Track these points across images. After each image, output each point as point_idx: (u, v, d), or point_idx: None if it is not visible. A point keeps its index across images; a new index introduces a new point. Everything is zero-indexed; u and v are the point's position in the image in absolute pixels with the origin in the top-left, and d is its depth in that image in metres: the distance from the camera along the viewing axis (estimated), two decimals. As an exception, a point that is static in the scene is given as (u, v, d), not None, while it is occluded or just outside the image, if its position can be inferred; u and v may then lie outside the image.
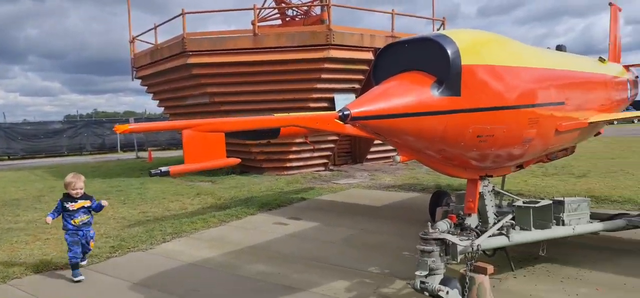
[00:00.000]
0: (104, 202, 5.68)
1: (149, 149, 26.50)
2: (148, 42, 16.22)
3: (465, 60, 3.46)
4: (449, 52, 3.43)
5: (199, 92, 13.88)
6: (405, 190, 10.94)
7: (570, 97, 4.70)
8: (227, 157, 3.68)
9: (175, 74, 13.97)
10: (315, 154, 14.18)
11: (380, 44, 12.69)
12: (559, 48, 6.01)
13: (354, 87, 13.24)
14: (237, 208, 9.06)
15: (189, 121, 3.68)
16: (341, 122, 3.21)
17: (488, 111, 3.60)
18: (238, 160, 3.55)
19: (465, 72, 3.45)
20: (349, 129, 4.21)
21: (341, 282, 4.98)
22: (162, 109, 17.49)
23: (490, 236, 4.35)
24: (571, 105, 4.72)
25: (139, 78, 16.46)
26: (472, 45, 3.62)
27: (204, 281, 5.26)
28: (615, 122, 35.22)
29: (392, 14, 13.46)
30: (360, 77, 13.26)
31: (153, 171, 3.65)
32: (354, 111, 3.15)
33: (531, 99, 4.00)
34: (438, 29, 15.32)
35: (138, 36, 16.47)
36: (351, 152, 16.36)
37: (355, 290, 4.76)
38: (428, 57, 3.56)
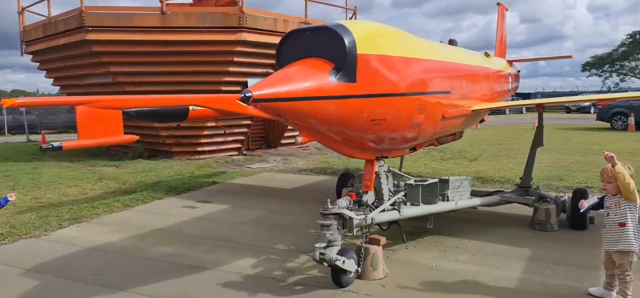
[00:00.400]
0: (11, 196, 4.80)
1: (42, 131, 24.23)
2: (40, 14, 14.85)
3: (360, 50, 3.77)
4: (346, 41, 3.72)
5: (100, 71, 13.04)
6: (316, 174, 11.34)
7: (455, 87, 5.28)
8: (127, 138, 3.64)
9: (72, 50, 12.96)
10: (228, 138, 14.07)
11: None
12: (451, 42, 6.66)
13: (268, 72, 13.29)
14: (143, 192, 8.79)
15: (84, 97, 3.58)
16: (243, 104, 3.36)
17: (381, 97, 3.96)
18: (136, 137, 3.54)
19: (361, 60, 3.77)
20: (252, 110, 4.36)
21: (249, 259, 5.16)
22: (58, 88, 16.14)
23: (383, 211, 4.78)
24: (456, 94, 5.30)
25: (29, 53, 15.01)
26: (368, 36, 3.95)
27: (106, 265, 5.13)
28: (508, 111, 39.18)
29: (305, 0, 13.69)
30: (274, 61, 13.33)
31: (44, 146, 3.53)
32: (256, 93, 3.32)
33: (420, 87, 4.46)
34: (350, 18, 15.88)
35: (28, 7, 14.99)
36: (265, 136, 16.45)
37: (262, 266, 4.97)
38: (327, 45, 3.82)
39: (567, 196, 6.35)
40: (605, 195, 3.98)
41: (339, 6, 14.38)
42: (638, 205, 3.82)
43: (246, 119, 13.47)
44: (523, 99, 49.83)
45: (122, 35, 12.05)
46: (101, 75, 13.14)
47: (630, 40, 51.00)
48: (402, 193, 5.19)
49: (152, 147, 14.04)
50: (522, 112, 41.85)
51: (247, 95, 3.28)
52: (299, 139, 4.10)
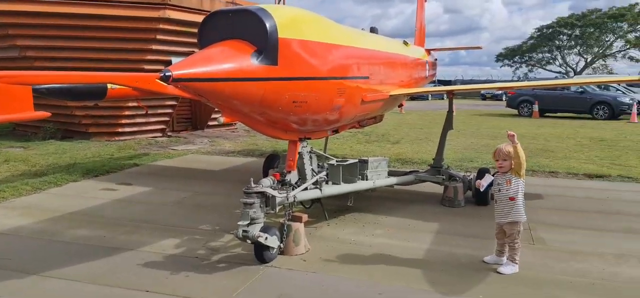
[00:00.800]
0: None
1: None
2: None
3: (282, 34, 3.89)
4: (268, 25, 3.83)
5: (5, 44, 11.96)
6: (244, 155, 11.35)
7: (374, 72, 5.58)
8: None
9: (-27, 20, 11.74)
10: (151, 119, 13.58)
11: (220, 7, 12.63)
12: (372, 30, 6.97)
13: (193, 51, 12.87)
14: (56, 175, 8.31)
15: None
16: (163, 83, 3.36)
17: (302, 80, 4.13)
18: (47, 114, 3.40)
19: (282, 44, 3.90)
20: (171, 90, 4.34)
21: (171, 240, 5.15)
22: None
23: (305, 189, 4.99)
24: (375, 80, 5.62)
25: None
26: (289, 21, 4.08)
27: (16, 249, 4.87)
28: (430, 97, 41.25)
29: (233, -20, 13.44)
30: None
31: None
32: (176, 73, 3.33)
33: (340, 72, 4.69)
34: (279, 2, 15.83)
35: None
36: (191, 118, 16.05)
37: (185, 246, 4.99)
38: (249, 28, 3.90)
39: (472, 175, 6.97)
40: (496, 173, 4.48)
41: (267, -13, 14.26)
42: (523, 180, 4.35)
43: (170, 99, 13.07)
44: (444, 85, 52.72)
45: (30, 5, 11.11)
46: (7, 49, 12.05)
47: (538, 34, 55.65)
48: (324, 173, 5.43)
49: (66, 128, 13.17)
50: (443, 98, 44.34)
51: (166, 74, 3.28)
52: (221, 119, 4.15)
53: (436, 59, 10.48)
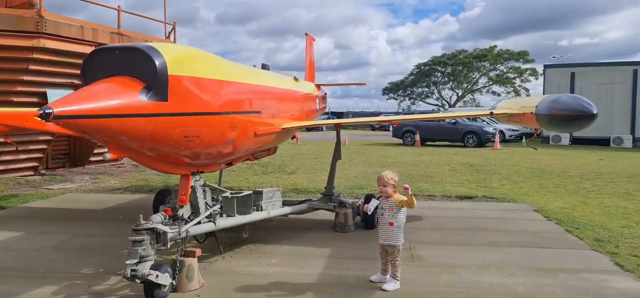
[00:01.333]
0: None
1: None
2: None
3: (172, 71, 3.95)
4: (157, 62, 3.87)
5: None
6: (132, 192, 10.77)
7: (266, 107, 5.82)
8: None
9: None
10: (21, 156, 12.24)
11: (104, 39, 12.01)
12: (264, 66, 7.25)
13: (73, 83, 12.07)
14: None
15: None
16: (43, 120, 3.21)
17: (193, 115, 4.20)
18: None
19: (172, 81, 3.95)
20: (52, 127, 4.12)
21: (49, 287, 4.74)
22: None
23: (198, 223, 4.98)
24: (267, 114, 5.85)
25: None
26: (180, 59, 4.16)
27: None
28: (324, 128, 42.79)
29: (118, 10, 12.91)
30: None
31: None
32: (58, 110, 3.21)
33: (232, 107, 4.83)
34: (169, 33, 15.52)
35: None
36: (70, 153, 14.77)
37: (64, 292, 4.63)
38: (138, 64, 3.90)
39: (361, 201, 7.49)
40: (381, 197, 4.94)
41: (156, 20, 13.95)
42: (404, 209, 4.80)
43: (45, 134, 11.97)
44: (337, 117, 55.13)
45: None
46: None
47: (417, 70, 61.53)
48: (218, 206, 5.46)
49: None
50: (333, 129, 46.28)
51: (46, 111, 3.14)
52: (108, 155, 4.01)
53: (326, 93, 11.11)
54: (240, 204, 5.60)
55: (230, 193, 5.68)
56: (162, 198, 7.42)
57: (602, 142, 26.50)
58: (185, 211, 4.96)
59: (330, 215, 7.32)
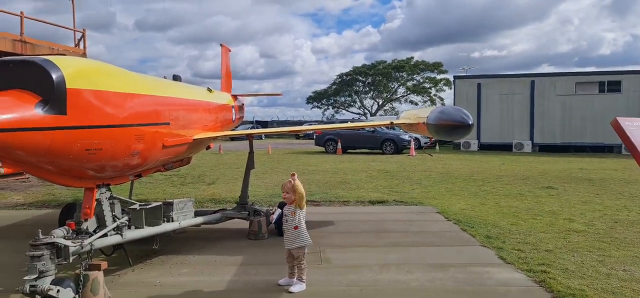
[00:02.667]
0: None
1: None
2: None
3: (70, 84, 3.95)
4: (54, 76, 3.86)
5: None
6: (38, 208, 10.16)
7: (175, 118, 5.89)
8: None
9: None
10: None
11: (6, 47, 11.22)
12: (175, 77, 7.27)
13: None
14: None
15: None
16: None
17: (95, 128, 4.21)
18: None
19: (71, 94, 3.95)
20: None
21: None
22: None
23: (103, 236, 4.94)
24: (176, 125, 5.92)
25: None
26: (79, 72, 4.16)
27: None
28: (246, 137, 42.55)
29: (21, 16, 12.09)
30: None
31: None
32: (-56, 124, 3.11)
33: (138, 119, 4.87)
34: (79, 40, 14.78)
35: None
36: (-37, 168, 13.50)
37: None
38: (34, 78, 3.85)
39: (274, 209, 7.73)
40: (285, 205, 5.22)
41: (64, 27, 13.26)
42: (304, 210, 5.14)
43: None
44: (263, 126, 55.04)
45: None
46: None
47: (340, 80, 63.28)
48: (126, 218, 5.43)
49: None
50: (261, 138, 46.29)
51: None
52: (1, 170, 3.90)
53: (243, 103, 11.26)
54: (149, 216, 5.61)
55: (139, 205, 5.66)
56: (69, 212, 7.12)
57: (506, 147, 29.16)
58: (89, 224, 4.90)
59: (246, 224, 7.49)
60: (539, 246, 6.81)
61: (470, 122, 5.25)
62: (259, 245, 6.89)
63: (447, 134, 5.67)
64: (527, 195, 11.84)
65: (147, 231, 5.56)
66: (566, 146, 29.01)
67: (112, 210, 5.30)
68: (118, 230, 5.17)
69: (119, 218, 5.32)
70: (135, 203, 5.86)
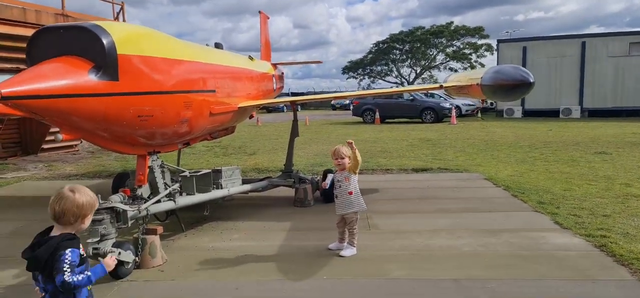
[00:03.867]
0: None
1: None
2: None
3: (121, 50, 3.96)
4: (105, 41, 3.87)
5: None
6: (90, 178, 10.57)
7: (220, 86, 5.88)
8: None
9: None
10: (-32, 146, 11.72)
11: (48, 21, 11.52)
12: (217, 45, 7.25)
13: (18, 67, 11.55)
14: None
15: None
16: (-9, 101, 3.19)
17: (146, 95, 4.24)
18: None
19: (122, 60, 3.97)
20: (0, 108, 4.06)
21: (10, 270, 4.73)
22: None
23: (158, 202, 5.04)
24: (222, 93, 5.91)
25: None
26: (128, 38, 4.17)
27: None
28: (285, 109, 42.63)
29: (64, -10, 12.36)
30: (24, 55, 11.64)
31: None
32: (5, 90, 3.19)
33: (185, 86, 4.88)
34: (118, 13, 15.04)
35: None
36: (21, 141, 14.22)
37: (27, 274, 4.61)
38: (85, 44, 3.89)
39: (320, 177, 7.71)
40: (337, 172, 5.14)
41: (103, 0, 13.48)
42: (357, 177, 5.04)
43: (-7, 121, 11.49)
44: (297, 97, 54.95)
45: None
46: None
47: (376, 48, 61.90)
48: (177, 185, 5.52)
49: None
50: (298, 109, 46.38)
51: (-7, 92, 3.13)
52: (60, 136, 4.00)
53: (283, 72, 11.18)
54: (199, 183, 5.68)
55: (189, 173, 5.74)
56: (121, 181, 7.38)
57: (552, 114, 27.90)
58: (144, 191, 5.01)
59: (291, 192, 7.51)
60: (596, 211, 6.49)
61: (532, 80, 4.95)
62: (305, 212, 6.89)
63: (505, 94, 5.39)
64: (579, 160, 11.30)
65: (199, 197, 5.64)
66: (618, 111, 27.43)
67: (164, 178, 5.39)
68: (171, 196, 5.27)
69: (170, 185, 5.41)
70: (185, 171, 5.95)
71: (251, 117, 8.61)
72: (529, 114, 28.95)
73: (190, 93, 4.96)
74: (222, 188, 6.07)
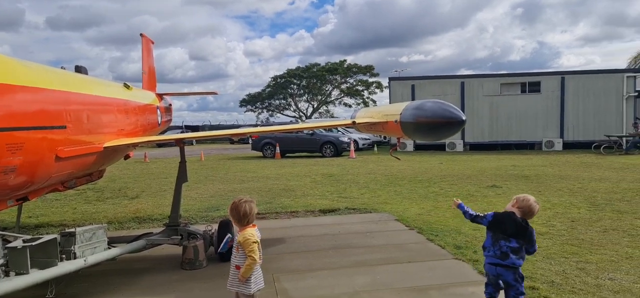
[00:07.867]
0: None
1: None
2: None
3: None
4: None
5: None
6: None
7: (75, 120, 4.37)
8: None
9: None
10: None
11: None
12: (78, 69, 5.66)
13: None
14: None
15: None
16: None
17: None
18: None
19: None
20: None
21: None
22: None
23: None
24: (76, 130, 4.40)
25: None
26: None
27: None
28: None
29: None
30: None
31: None
32: None
33: (10, 121, 3.36)
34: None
35: None
36: None
37: None
38: None
39: (215, 229, 6.36)
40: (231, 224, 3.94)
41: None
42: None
43: None
44: (193, 130, 52.20)
45: None
46: None
47: (274, 82, 61.80)
48: (2, 260, 3.85)
49: None
50: (193, 144, 43.75)
51: None
52: None
53: (171, 104, 9.69)
54: (38, 255, 4.05)
55: (24, 241, 4.08)
56: None
57: (439, 147, 29.46)
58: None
59: (178, 249, 6.06)
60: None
61: (464, 117, 4.29)
62: (197, 277, 5.49)
63: (429, 133, 4.66)
64: (476, 195, 11.40)
65: (34, 277, 3.99)
66: (494, 144, 29.92)
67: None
68: (-14, 281, 3.59)
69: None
70: (18, 238, 4.24)
71: (127, 156, 7.00)
72: (419, 147, 30.31)
73: (20, 130, 3.43)
74: (76, 257, 4.48)
